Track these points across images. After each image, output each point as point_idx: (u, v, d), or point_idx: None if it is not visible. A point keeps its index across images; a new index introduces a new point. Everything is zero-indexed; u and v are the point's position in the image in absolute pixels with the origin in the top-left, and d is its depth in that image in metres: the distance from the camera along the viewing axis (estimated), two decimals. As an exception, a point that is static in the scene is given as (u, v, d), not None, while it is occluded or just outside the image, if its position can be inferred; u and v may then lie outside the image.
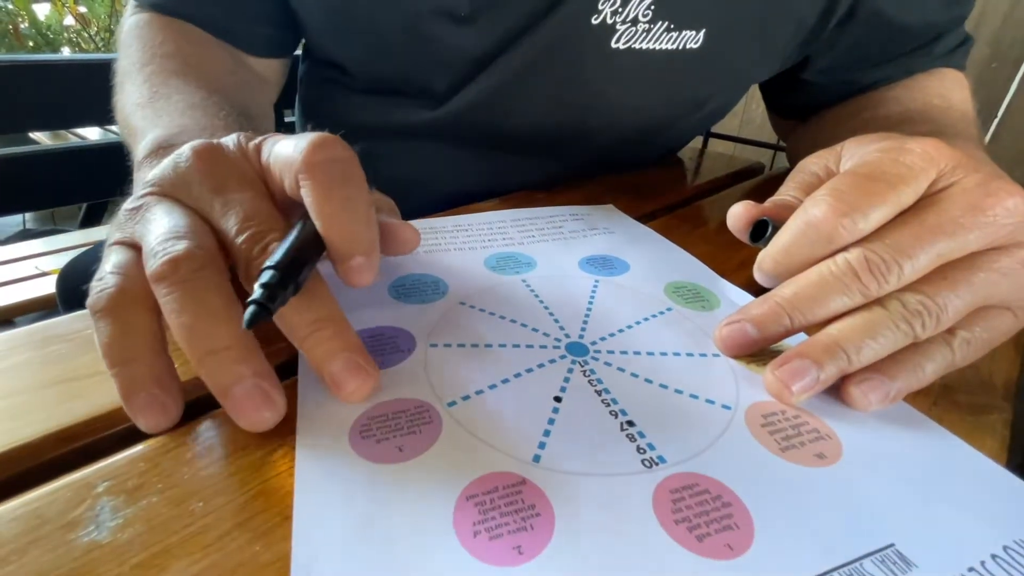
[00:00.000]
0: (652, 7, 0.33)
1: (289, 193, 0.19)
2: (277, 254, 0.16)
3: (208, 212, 0.18)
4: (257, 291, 0.15)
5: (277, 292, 0.16)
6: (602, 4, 0.32)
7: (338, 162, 0.18)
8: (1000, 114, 0.63)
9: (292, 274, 0.16)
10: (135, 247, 0.18)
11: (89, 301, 0.17)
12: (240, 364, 0.16)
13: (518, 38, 0.34)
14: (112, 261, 0.18)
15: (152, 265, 0.16)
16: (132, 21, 0.36)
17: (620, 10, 0.33)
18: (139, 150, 0.25)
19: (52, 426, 0.17)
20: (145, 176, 0.20)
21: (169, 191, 0.19)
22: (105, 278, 0.17)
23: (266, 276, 0.16)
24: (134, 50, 0.33)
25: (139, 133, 0.26)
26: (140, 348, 0.17)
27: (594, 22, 0.33)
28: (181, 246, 0.16)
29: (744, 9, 0.34)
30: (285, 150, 0.19)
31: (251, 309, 0.15)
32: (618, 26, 0.33)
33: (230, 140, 0.20)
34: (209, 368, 0.16)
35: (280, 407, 0.17)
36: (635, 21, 0.33)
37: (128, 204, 0.19)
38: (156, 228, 0.17)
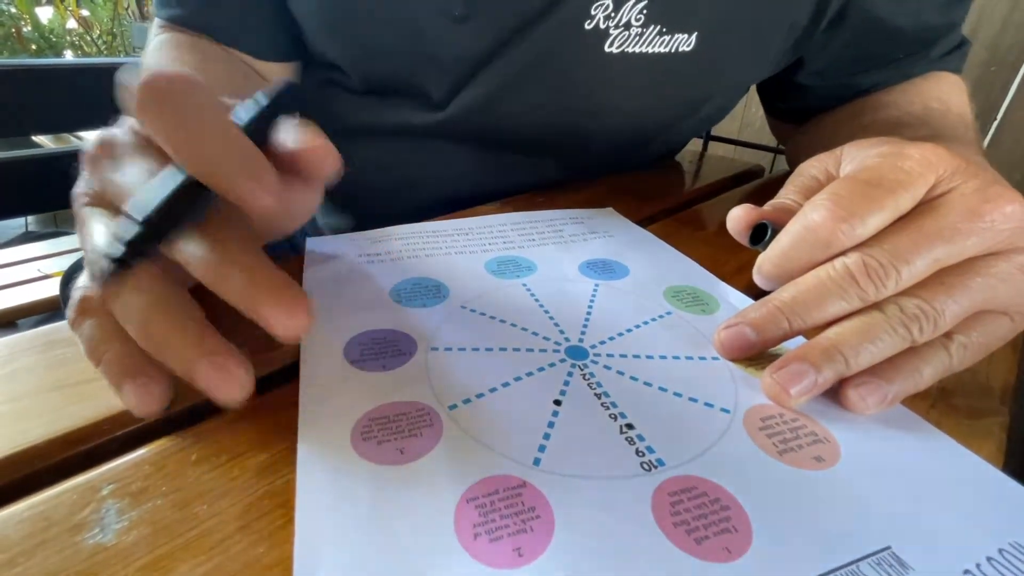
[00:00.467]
0: (644, 11, 0.33)
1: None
2: (137, 206, 0.15)
3: (113, 193, 0.18)
4: (114, 248, 0.15)
5: (115, 260, 0.15)
6: (595, 9, 0.33)
7: (160, 86, 0.16)
8: (999, 117, 0.63)
9: (142, 238, 0.15)
10: None
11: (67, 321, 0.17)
12: (190, 348, 0.15)
13: (512, 41, 0.34)
14: (79, 281, 0.18)
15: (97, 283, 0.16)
16: (155, 43, 0.38)
17: (613, 15, 0.33)
18: None
19: (57, 429, 0.17)
20: (77, 203, 0.19)
21: (90, 199, 0.19)
22: (72, 295, 0.17)
23: (123, 230, 0.15)
24: (151, 65, 0.35)
25: None
26: (113, 340, 0.16)
27: (587, 27, 0.33)
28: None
29: (735, 12, 0.35)
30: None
31: (102, 265, 0.15)
32: (611, 30, 0.33)
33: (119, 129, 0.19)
34: (170, 362, 0.16)
35: (241, 377, 0.15)
36: (628, 25, 0.33)
37: (77, 214, 0.19)
38: (97, 242, 0.17)
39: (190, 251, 0.16)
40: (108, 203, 0.18)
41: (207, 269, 0.16)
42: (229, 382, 0.15)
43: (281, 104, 0.17)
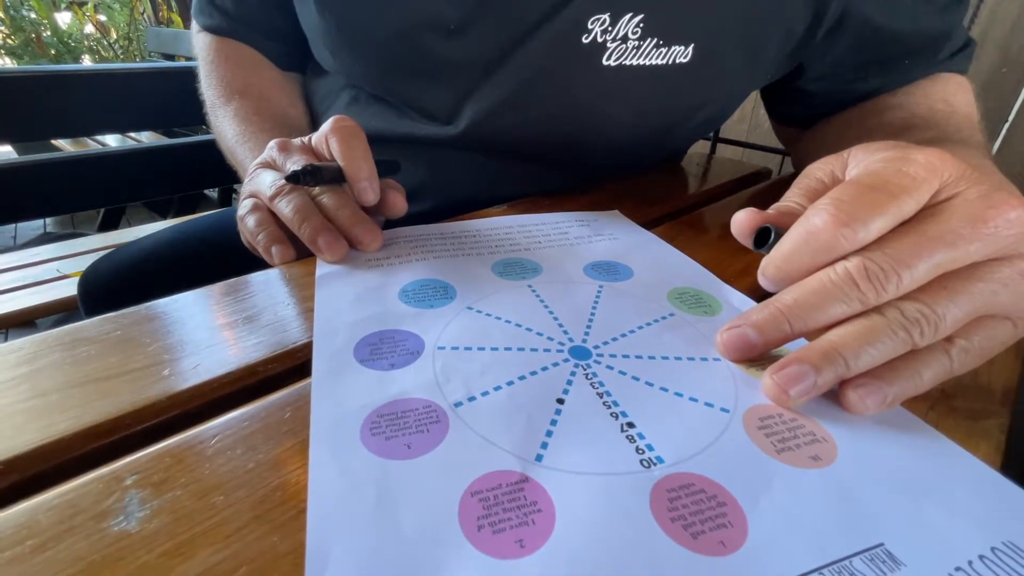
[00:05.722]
0: (641, 25, 0.33)
1: (325, 152, 0.32)
2: (308, 164, 0.30)
3: (281, 166, 0.33)
4: (299, 166, 0.29)
5: (302, 172, 0.29)
6: (591, 23, 0.33)
7: (348, 127, 0.32)
8: (1011, 118, 0.62)
9: (316, 170, 0.29)
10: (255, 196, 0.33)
11: (252, 193, 0.33)
12: (319, 228, 0.29)
13: (509, 55, 0.35)
14: (248, 196, 0.33)
15: (268, 193, 0.31)
16: (204, 42, 0.48)
17: (610, 28, 0.33)
18: (248, 167, 0.38)
19: (83, 423, 0.18)
20: (253, 165, 0.34)
21: (265, 164, 0.33)
22: (242, 205, 0.33)
23: (300, 165, 0.29)
24: (215, 81, 0.46)
25: (243, 160, 0.41)
26: (269, 223, 0.31)
27: (584, 41, 0.34)
28: (280, 182, 0.31)
29: (732, 22, 0.35)
30: (319, 131, 0.33)
31: (293, 170, 0.29)
32: (608, 44, 0.34)
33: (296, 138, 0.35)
34: (303, 234, 0.29)
35: (344, 246, 0.29)
36: (625, 39, 0.34)
37: (250, 170, 0.34)
38: (265, 178, 0.32)
39: (327, 198, 0.31)
40: (275, 167, 0.33)
41: (333, 204, 0.31)
42: (335, 246, 0.29)
43: (390, 164, 0.35)
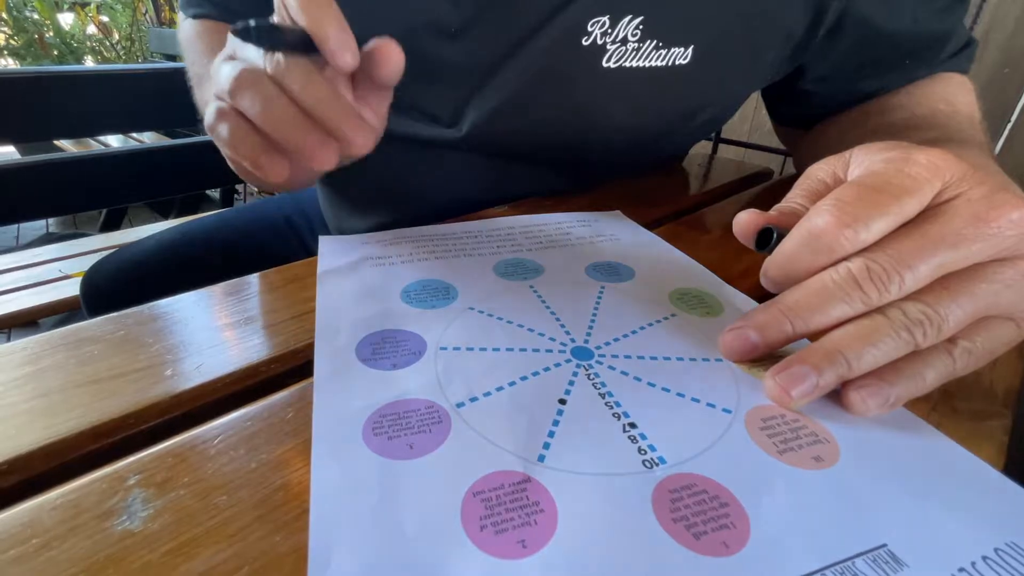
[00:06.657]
0: (641, 27, 0.33)
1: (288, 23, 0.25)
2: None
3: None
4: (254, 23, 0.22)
5: (255, 28, 0.22)
6: (591, 25, 0.33)
7: None
8: (1013, 118, 0.62)
9: (273, 29, 0.23)
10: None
11: (215, 94, 0.25)
12: (301, 131, 0.23)
13: (509, 57, 0.35)
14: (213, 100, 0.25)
15: (228, 87, 0.24)
16: (187, 26, 0.46)
17: (610, 31, 0.33)
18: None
19: (86, 423, 0.18)
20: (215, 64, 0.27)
21: (227, 57, 0.26)
22: (207, 112, 0.25)
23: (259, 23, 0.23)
24: (198, 54, 0.42)
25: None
26: (246, 132, 0.24)
27: (584, 43, 0.34)
28: (238, 69, 0.24)
29: (731, 24, 0.35)
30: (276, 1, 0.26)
31: (243, 24, 0.22)
32: (608, 46, 0.34)
33: None
34: (279, 134, 0.23)
35: (333, 149, 0.23)
36: (624, 41, 0.34)
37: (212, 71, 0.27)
38: (225, 70, 0.25)
39: (299, 87, 0.23)
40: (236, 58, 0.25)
41: (311, 96, 0.23)
42: (325, 149, 0.23)
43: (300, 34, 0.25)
